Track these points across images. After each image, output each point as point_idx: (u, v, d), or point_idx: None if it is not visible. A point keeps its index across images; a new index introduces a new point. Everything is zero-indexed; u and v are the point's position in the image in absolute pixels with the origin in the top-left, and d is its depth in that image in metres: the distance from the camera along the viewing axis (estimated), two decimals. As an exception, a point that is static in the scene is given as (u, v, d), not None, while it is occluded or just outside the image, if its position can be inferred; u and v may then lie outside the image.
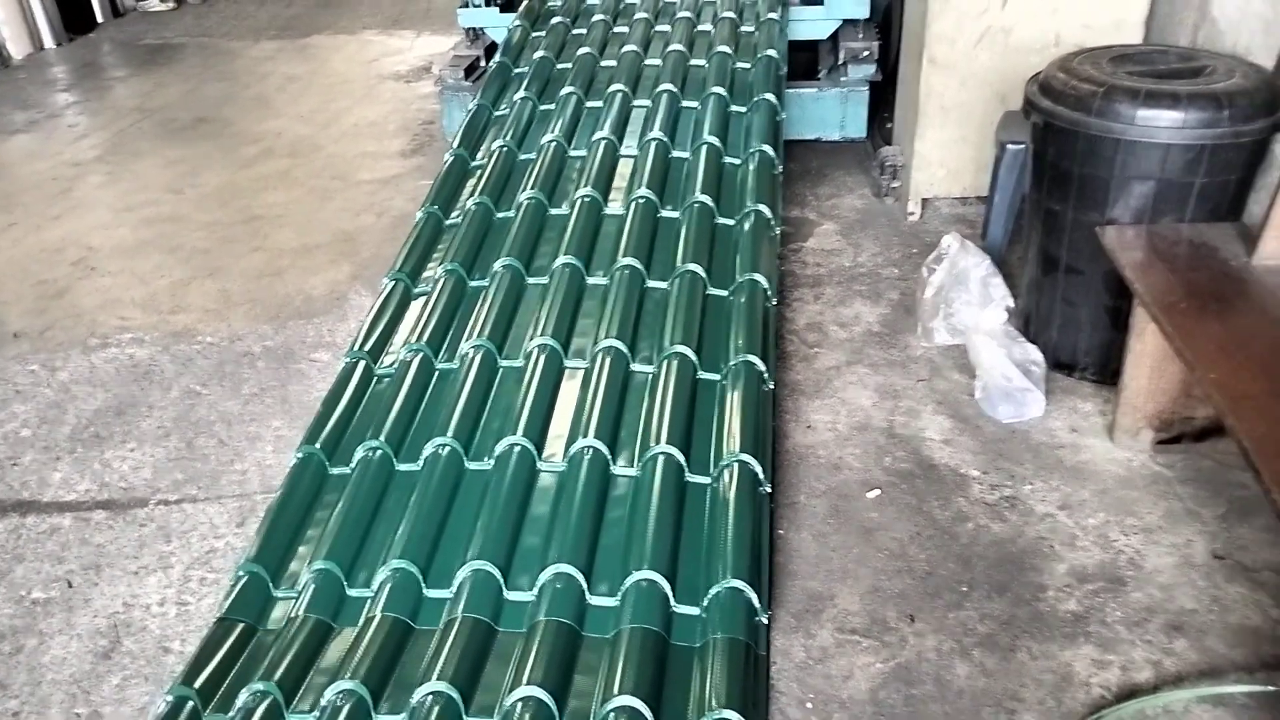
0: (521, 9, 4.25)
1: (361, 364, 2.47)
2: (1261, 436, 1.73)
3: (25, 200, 4.28)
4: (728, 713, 1.63)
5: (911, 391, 2.73)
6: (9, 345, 3.21)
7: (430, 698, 1.70)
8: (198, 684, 1.77)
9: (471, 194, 3.06)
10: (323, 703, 1.72)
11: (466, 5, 4.49)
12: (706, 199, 2.87)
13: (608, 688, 1.69)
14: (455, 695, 1.71)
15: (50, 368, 3.07)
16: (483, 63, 4.56)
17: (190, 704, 1.74)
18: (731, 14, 3.96)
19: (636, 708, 1.66)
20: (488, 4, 4.47)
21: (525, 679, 1.70)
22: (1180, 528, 2.22)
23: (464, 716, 1.70)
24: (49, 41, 6.66)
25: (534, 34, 4.10)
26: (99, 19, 7.20)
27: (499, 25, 4.44)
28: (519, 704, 1.67)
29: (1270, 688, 1.82)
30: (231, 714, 1.72)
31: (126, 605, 2.19)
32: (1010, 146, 2.96)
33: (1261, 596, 2.04)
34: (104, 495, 2.52)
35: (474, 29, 4.62)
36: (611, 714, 1.66)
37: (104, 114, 5.35)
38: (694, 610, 1.85)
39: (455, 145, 3.37)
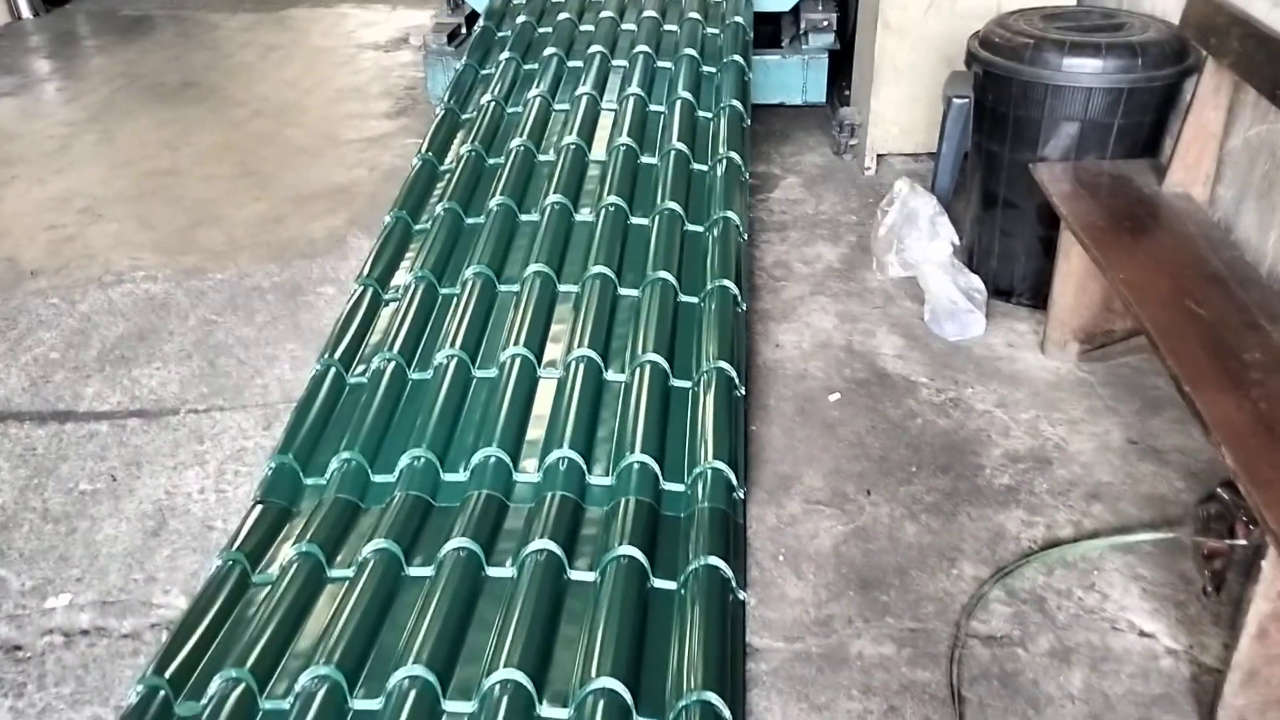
0: (502, -22, 4.49)
1: (370, 290, 2.72)
2: (1161, 321, 2.05)
3: (24, 156, 4.45)
4: (713, 559, 1.92)
5: (868, 316, 3.04)
6: (27, 282, 3.41)
7: (455, 552, 1.96)
8: (245, 550, 2.02)
9: (464, 143, 3.31)
10: (359, 559, 1.98)
11: (449, -25, 4.73)
12: (682, 146, 3.14)
13: (609, 543, 1.97)
14: (477, 549, 1.98)
15: (70, 301, 3.28)
16: (464, 30, 4.80)
17: (239, 567, 1.99)
18: (701, -15, 4.24)
19: (635, 556, 1.94)
20: (468, -26, 4.71)
21: (537, 536, 1.97)
22: (1100, 420, 2.56)
23: (485, 566, 1.97)
24: (26, 12, 6.75)
25: (514, 2, 4.34)
26: (73, -9, 7.30)
27: (479, -6, 4.69)
28: (532, 555, 1.95)
29: (1170, 534, 2.16)
30: (277, 572, 1.97)
31: (169, 494, 2.43)
32: (955, 101, 3.29)
33: (1168, 472, 2.38)
34: (136, 406, 2.75)
35: (455, -2, 4.86)
36: (612, 562, 1.94)
37: (90, 79, 5.50)
38: (679, 487, 2.13)
39: (446, 100, 3.61)
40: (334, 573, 1.98)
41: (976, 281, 3.02)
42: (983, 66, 2.82)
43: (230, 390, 2.80)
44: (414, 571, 1.96)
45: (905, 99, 3.82)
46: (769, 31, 4.68)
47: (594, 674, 1.66)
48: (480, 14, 4.48)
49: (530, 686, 1.69)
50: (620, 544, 1.93)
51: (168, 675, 1.71)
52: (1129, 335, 2.68)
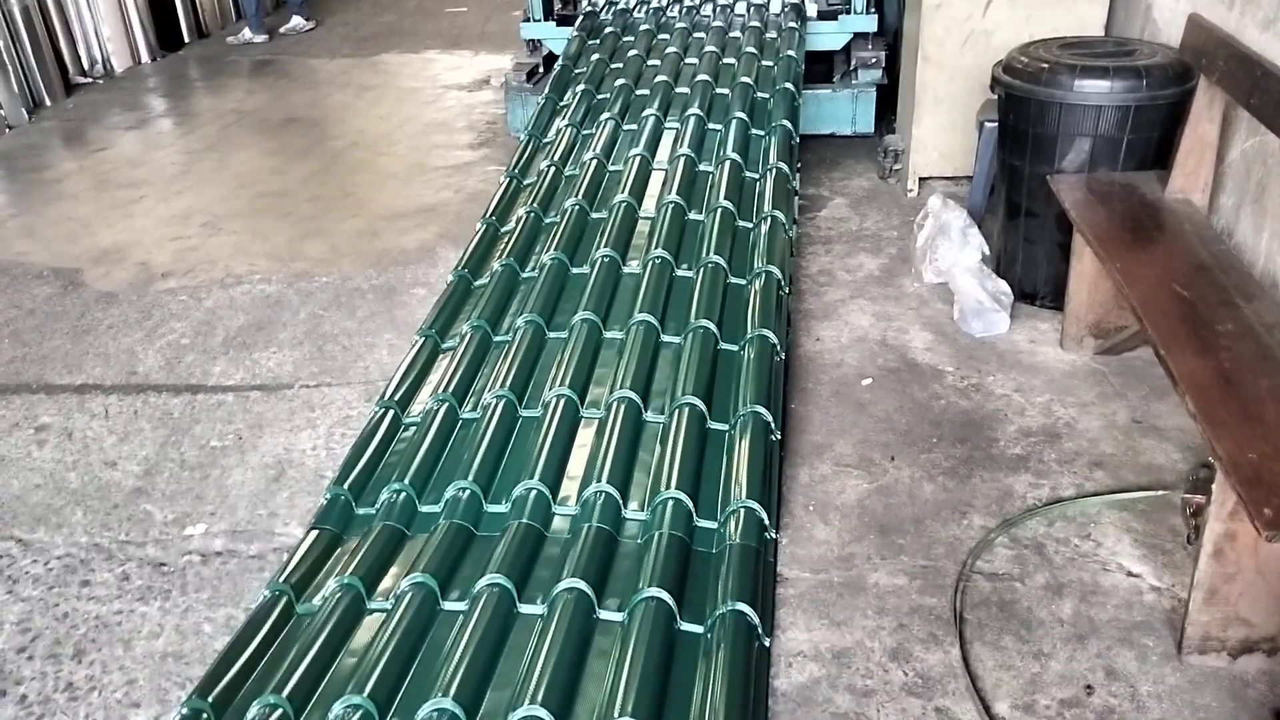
0: (579, 22, 4.95)
1: (430, 341, 2.78)
2: (1147, 301, 2.34)
3: (149, 179, 5.00)
4: (740, 605, 1.87)
5: (903, 316, 3.35)
6: (159, 283, 3.90)
7: (489, 588, 1.97)
8: (293, 581, 2.07)
9: (547, 159, 3.69)
10: (397, 592, 1.99)
11: (528, 20, 5.20)
12: (729, 204, 3.20)
13: (639, 581, 1.96)
14: (510, 586, 1.98)
15: (197, 298, 3.75)
16: (541, 69, 5.27)
17: (285, 598, 2.04)
18: (757, 23, 4.63)
19: (663, 598, 1.89)
20: (546, 19, 5.18)
21: (569, 573, 1.97)
22: (1109, 403, 2.82)
23: (517, 603, 1.97)
24: (145, 57, 7.45)
25: (590, 42, 4.78)
26: (186, 39, 8.00)
27: (556, 37, 5.16)
28: (562, 594, 1.93)
29: (1162, 492, 2.42)
30: (319, 604, 1.99)
31: (286, 450, 2.83)
32: (987, 124, 3.60)
33: (1168, 446, 2.63)
34: (256, 381, 3.18)
35: (534, 40, 5.34)
36: (641, 604, 1.90)
37: (203, 114, 6.09)
38: (712, 525, 2.12)
39: (529, 128, 4.02)
40: (373, 604, 2.00)
41: (1003, 285, 3.31)
42: (1004, 89, 3.14)
43: (336, 370, 3.21)
44: (449, 605, 1.98)
45: (944, 126, 4.14)
46: (822, 69, 5.05)
47: (617, 713, 1.67)
48: (557, 55, 4.94)
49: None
50: (650, 585, 1.92)
51: (210, 699, 1.77)
52: (1136, 334, 2.94)
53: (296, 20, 8.08)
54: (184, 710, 1.73)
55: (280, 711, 1.73)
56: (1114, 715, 1.91)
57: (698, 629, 1.88)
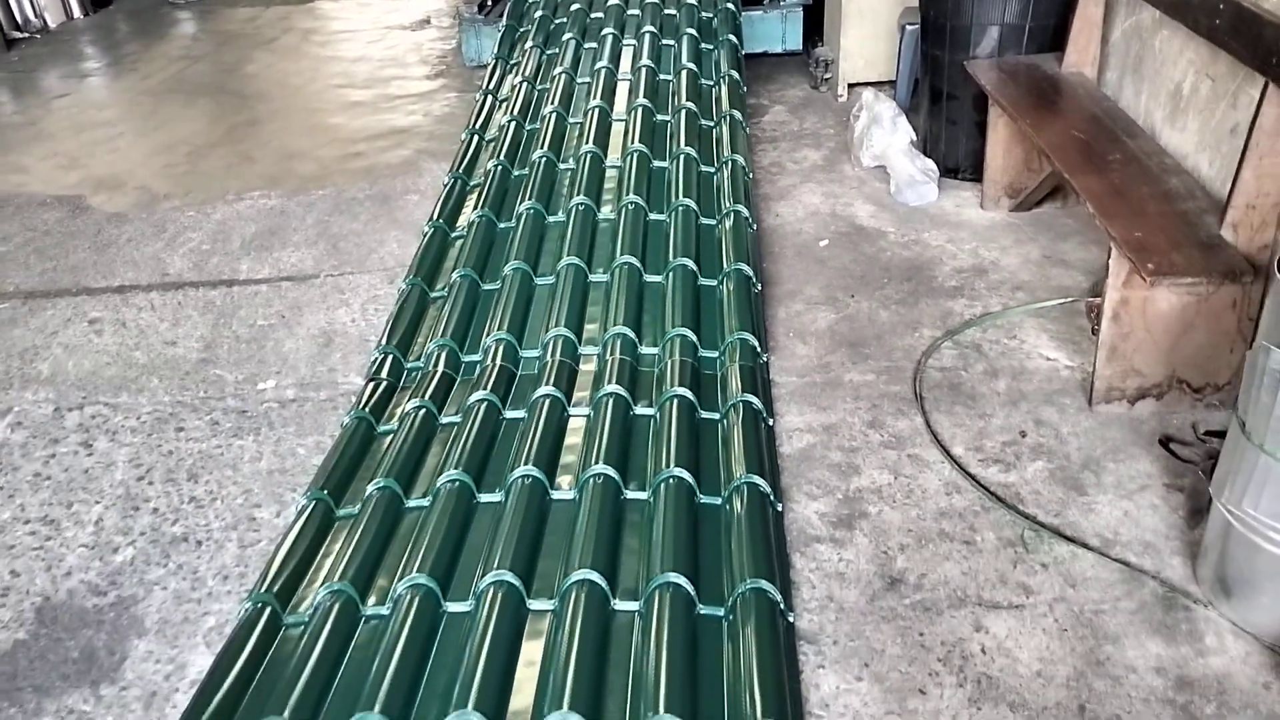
0: (526, -45, 5.31)
1: (440, 231, 3.21)
2: (1054, 143, 2.90)
3: (124, 118, 5.22)
4: (748, 395, 2.41)
5: (847, 194, 3.87)
6: (163, 202, 4.19)
7: (543, 398, 2.44)
8: (367, 410, 2.51)
9: (518, 76, 4.11)
10: (464, 407, 2.43)
11: (476, -47, 5.54)
12: (691, 105, 3.74)
13: (664, 385, 2.49)
14: (560, 395, 2.47)
15: (204, 213, 4.06)
16: (490, 2, 5.61)
17: (367, 424, 2.47)
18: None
19: (685, 395, 2.42)
20: (493, -47, 5.53)
21: (607, 384, 2.45)
22: (1024, 246, 3.39)
23: (567, 408, 2.45)
24: (77, 12, 7.51)
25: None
26: (113, -6, 8.05)
27: (504, -30, 5.51)
28: (605, 397, 2.41)
29: (1070, 299, 2.99)
30: (398, 425, 2.43)
31: (328, 323, 3.22)
32: (908, 28, 4.14)
33: (1073, 272, 3.22)
34: (284, 274, 3.54)
35: (482, -26, 5.68)
36: (668, 401, 2.43)
37: (155, 61, 6.27)
38: (714, 354, 2.62)
39: (495, 52, 4.42)
40: (444, 419, 2.45)
41: (930, 163, 3.85)
42: (926, -11, 3.66)
43: (354, 261, 3.59)
44: (510, 414, 2.44)
45: (869, 36, 4.66)
46: (751, -6, 5.52)
47: (666, 465, 2.17)
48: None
49: (617, 476, 2.17)
50: (672, 387, 2.42)
51: (275, 591, 1.96)
52: (1045, 183, 3.52)
53: None
54: (246, 607, 1.91)
55: (390, 491, 2.16)
56: (1043, 448, 2.47)
57: (715, 415, 2.40)
